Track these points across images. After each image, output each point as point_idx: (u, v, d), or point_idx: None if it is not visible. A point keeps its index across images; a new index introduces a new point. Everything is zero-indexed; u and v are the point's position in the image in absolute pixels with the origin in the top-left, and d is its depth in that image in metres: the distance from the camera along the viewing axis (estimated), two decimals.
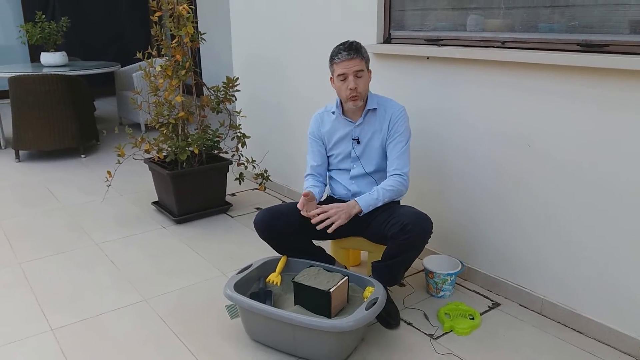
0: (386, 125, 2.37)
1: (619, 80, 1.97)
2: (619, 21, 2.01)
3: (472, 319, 2.33)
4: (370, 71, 2.37)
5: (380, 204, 2.29)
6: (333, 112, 2.44)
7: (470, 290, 2.63)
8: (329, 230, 2.22)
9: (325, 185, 2.55)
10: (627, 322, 2.12)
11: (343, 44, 2.30)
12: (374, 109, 2.38)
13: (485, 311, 2.45)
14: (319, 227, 2.23)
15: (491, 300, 2.53)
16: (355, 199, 2.28)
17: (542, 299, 2.40)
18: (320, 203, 2.41)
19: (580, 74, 2.08)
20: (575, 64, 2.06)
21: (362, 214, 2.28)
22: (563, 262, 2.30)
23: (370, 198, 2.28)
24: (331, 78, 2.37)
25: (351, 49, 2.26)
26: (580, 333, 2.26)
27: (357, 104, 2.33)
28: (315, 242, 2.48)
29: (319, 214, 2.23)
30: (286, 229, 2.32)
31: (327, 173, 2.56)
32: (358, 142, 2.41)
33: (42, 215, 3.59)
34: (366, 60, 2.31)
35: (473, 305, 2.46)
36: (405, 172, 2.34)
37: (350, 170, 2.45)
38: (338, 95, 2.40)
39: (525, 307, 2.46)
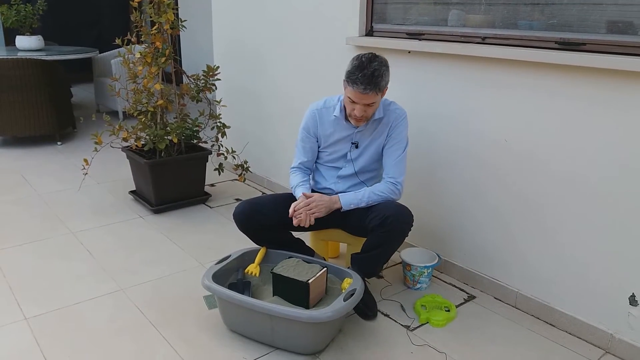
0: (386, 131, 2.33)
1: (595, 79, 2.01)
2: (597, 20, 2.05)
3: (448, 311, 2.37)
4: (386, 89, 2.21)
5: (362, 205, 2.27)
6: (335, 115, 2.33)
7: (446, 282, 2.67)
8: (306, 225, 2.21)
9: (309, 176, 2.52)
10: (597, 315, 2.18)
11: (362, 70, 2.07)
12: (380, 118, 2.32)
13: (461, 303, 2.48)
14: (295, 223, 2.22)
15: (467, 293, 2.58)
16: (339, 194, 2.28)
17: (517, 292, 2.45)
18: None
19: (558, 72, 2.11)
20: (553, 62, 2.09)
21: (341, 210, 2.28)
22: (537, 257, 2.34)
23: (354, 197, 2.27)
24: (344, 82, 2.20)
25: (370, 84, 2.07)
26: (553, 326, 2.32)
27: (359, 125, 2.28)
28: (295, 234, 2.48)
29: (298, 207, 2.21)
30: (266, 221, 2.32)
31: (316, 166, 2.53)
32: (356, 147, 2.37)
33: (16, 203, 3.52)
34: (382, 89, 2.15)
35: (449, 298, 2.50)
36: (400, 182, 2.32)
37: (340, 168, 2.43)
38: (345, 105, 2.28)
39: (500, 300, 2.51)
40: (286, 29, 3.44)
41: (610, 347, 2.15)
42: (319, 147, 2.45)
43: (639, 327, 2.06)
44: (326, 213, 2.24)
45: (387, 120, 2.33)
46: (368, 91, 2.10)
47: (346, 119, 2.33)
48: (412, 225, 2.24)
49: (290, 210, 2.23)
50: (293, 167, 2.48)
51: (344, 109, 2.31)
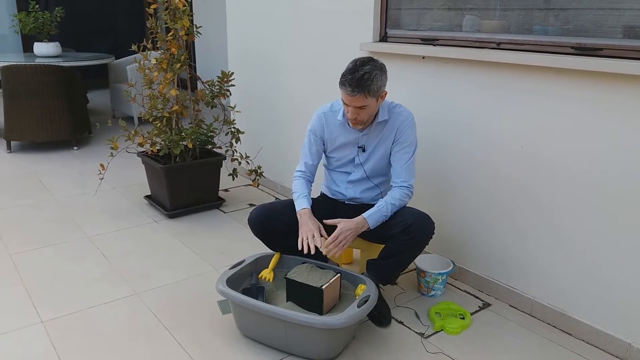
0: (393, 133, 2.30)
1: (613, 84, 1.99)
2: (613, 25, 2.03)
3: (463, 318, 2.35)
4: (385, 93, 2.21)
5: (387, 219, 2.24)
6: (339, 119, 2.34)
7: (461, 290, 2.65)
8: (337, 255, 2.20)
9: (312, 182, 2.48)
10: (615, 324, 2.15)
11: (353, 73, 2.09)
12: (385, 120, 2.30)
13: (476, 311, 2.46)
14: (329, 255, 2.20)
15: (482, 301, 2.55)
16: (364, 215, 2.21)
17: (532, 300, 2.42)
18: (313, 200, 2.40)
19: (574, 77, 2.09)
20: (569, 67, 2.08)
21: (369, 229, 2.24)
22: (553, 264, 2.32)
23: (379, 215, 2.22)
24: None
25: (357, 87, 2.08)
26: (569, 334, 2.29)
27: (356, 127, 2.28)
28: None
29: (329, 244, 2.17)
30: (281, 226, 2.31)
31: (327, 172, 2.52)
32: (363, 150, 2.35)
33: (33, 207, 3.57)
34: (374, 93, 2.12)
35: (464, 305, 2.48)
36: (411, 185, 2.30)
37: (350, 173, 2.42)
38: None
39: (515, 308, 2.48)
40: (300, 34, 3.45)
41: (628, 356, 2.11)
42: (325, 151, 2.44)
43: None
44: (354, 235, 2.20)
45: (393, 123, 2.31)
46: (355, 94, 2.09)
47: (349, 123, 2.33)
48: (433, 233, 2.22)
49: (301, 243, 2.18)
50: (298, 171, 2.45)
51: None
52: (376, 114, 2.28)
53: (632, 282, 2.06)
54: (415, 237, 2.17)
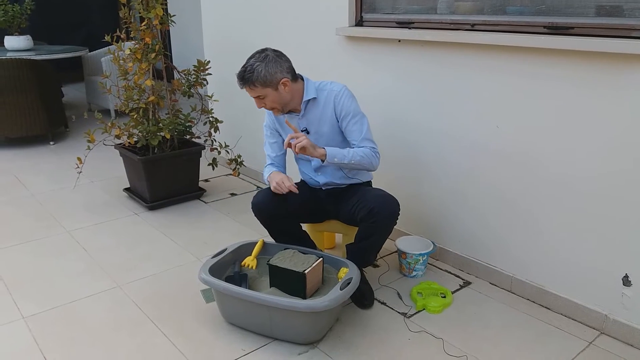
0: (331, 108, 2.30)
1: (584, 62, 2.02)
2: (584, 4, 2.06)
3: (444, 297, 2.39)
4: (285, 82, 2.20)
5: (346, 161, 2.19)
6: None
7: (442, 269, 2.69)
8: (296, 151, 2.14)
9: (284, 171, 2.49)
10: (591, 297, 2.21)
11: (240, 70, 2.20)
12: (314, 98, 2.31)
13: (457, 290, 2.50)
14: (285, 142, 2.17)
15: (462, 279, 2.60)
16: (327, 147, 2.20)
17: (512, 277, 2.47)
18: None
19: (547, 56, 2.12)
20: (542, 46, 2.10)
21: (324, 160, 2.18)
22: (531, 241, 2.36)
23: (339, 151, 2.20)
24: None
25: (241, 80, 2.20)
26: (548, 309, 2.34)
27: (276, 114, 2.32)
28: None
29: (289, 138, 2.15)
30: (286, 209, 2.33)
31: (296, 164, 2.53)
32: (308, 133, 2.36)
33: (10, 203, 3.52)
34: (263, 84, 2.16)
35: (445, 284, 2.52)
36: (376, 147, 2.29)
37: (311, 161, 2.42)
38: None
39: (495, 285, 2.53)
40: (276, 20, 3.43)
41: (604, 327, 2.17)
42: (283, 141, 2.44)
43: (632, 307, 2.09)
44: (309, 145, 2.12)
45: (327, 99, 2.30)
46: (242, 86, 2.21)
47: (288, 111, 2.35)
48: (398, 214, 2.24)
49: (275, 189, 2.24)
50: (266, 165, 2.48)
51: None
52: (303, 93, 2.29)
53: (607, 257, 2.12)
54: (378, 220, 2.19)
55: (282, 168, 2.47)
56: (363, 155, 2.23)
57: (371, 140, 2.31)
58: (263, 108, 2.30)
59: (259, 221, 2.40)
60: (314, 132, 2.35)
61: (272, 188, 2.27)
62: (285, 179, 2.25)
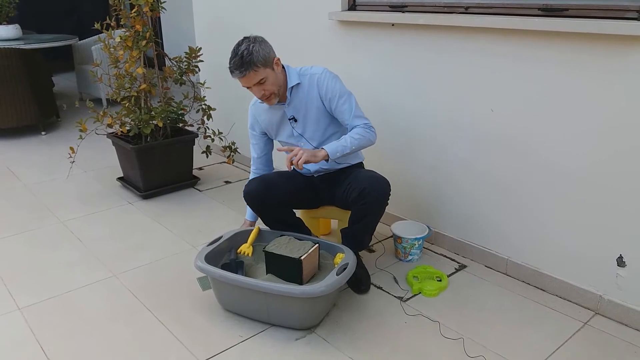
0: (315, 92, 2.27)
1: (578, 44, 2.01)
2: None
3: (440, 280, 2.40)
4: (277, 62, 2.19)
5: (348, 150, 2.19)
6: (260, 102, 2.33)
7: (437, 253, 2.70)
8: (299, 167, 2.13)
9: (270, 169, 2.57)
10: (586, 278, 2.22)
11: (234, 58, 2.12)
12: (298, 84, 2.27)
13: (452, 273, 2.52)
14: (287, 164, 2.13)
15: (458, 263, 2.61)
16: (324, 146, 2.19)
17: (507, 260, 2.48)
18: (287, 172, 2.38)
19: (542, 38, 2.11)
20: (536, 28, 2.09)
21: (329, 159, 2.18)
22: (526, 224, 2.37)
23: (337, 144, 2.18)
24: None
25: (242, 66, 2.10)
26: (543, 290, 2.36)
27: (272, 103, 2.25)
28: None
29: (289, 157, 2.13)
30: (279, 197, 2.33)
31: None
32: (295, 120, 2.34)
33: (2, 195, 3.49)
34: (264, 63, 2.12)
35: (440, 268, 2.53)
36: (367, 124, 2.26)
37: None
38: None
39: (490, 268, 2.54)
40: (268, 6, 3.39)
41: (599, 308, 2.19)
42: (272, 138, 2.49)
43: (627, 287, 2.10)
44: (311, 157, 2.12)
45: (310, 83, 2.27)
46: (244, 73, 2.11)
47: None
48: (389, 194, 2.24)
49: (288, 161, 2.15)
50: (251, 172, 2.55)
51: None
52: (286, 80, 2.26)
53: (602, 238, 2.13)
54: (369, 201, 2.19)
55: (268, 167, 2.55)
56: (360, 136, 2.21)
57: (362, 116, 2.29)
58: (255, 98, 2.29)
59: (251, 210, 2.40)
60: (302, 119, 2.33)
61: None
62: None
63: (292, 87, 2.28)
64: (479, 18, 2.27)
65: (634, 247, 2.05)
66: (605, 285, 2.17)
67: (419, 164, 2.73)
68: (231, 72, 2.15)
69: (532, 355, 1.95)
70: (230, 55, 2.15)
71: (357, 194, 2.19)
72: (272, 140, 2.53)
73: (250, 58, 2.10)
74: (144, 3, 3.13)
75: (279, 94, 2.25)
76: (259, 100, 2.33)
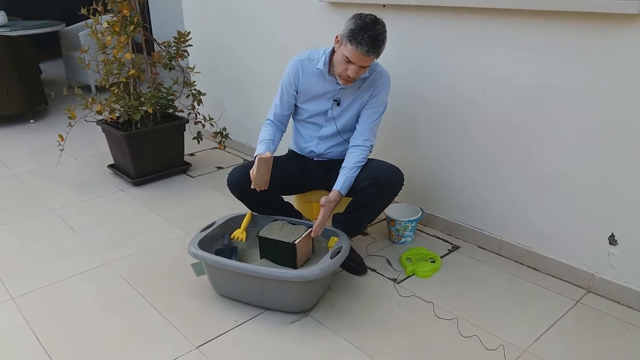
0: (370, 91, 2.26)
1: (573, 23, 2.00)
2: None
3: (433, 262, 2.41)
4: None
5: (354, 178, 2.23)
6: (319, 68, 2.22)
7: (430, 235, 2.71)
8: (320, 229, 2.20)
9: (284, 133, 2.43)
10: (578, 257, 2.24)
11: (368, 32, 2.00)
12: (365, 77, 2.23)
13: (446, 254, 2.53)
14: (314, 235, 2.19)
15: (451, 244, 2.62)
16: (337, 189, 2.20)
17: (500, 240, 2.49)
18: (278, 158, 2.35)
19: (536, 18, 2.09)
20: (530, 8, 2.07)
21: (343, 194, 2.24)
22: (518, 204, 2.38)
23: (349, 182, 2.22)
24: (337, 38, 2.13)
25: (373, 47, 2.01)
26: (536, 270, 2.37)
27: (347, 84, 2.19)
28: (284, 198, 2.48)
29: (316, 227, 2.18)
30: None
31: (295, 126, 2.45)
32: (338, 104, 2.29)
33: None
34: (380, 54, 2.10)
35: (433, 249, 2.54)
36: (372, 145, 2.29)
37: (321, 127, 2.36)
38: (335, 63, 2.17)
39: (483, 249, 2.56)
40: None
41: (591, 286, 2.21)
42: (297, 101, 2.35)
43: (618, 266, 2.12)
44: (330, 211, 2.20)
45: (372, 81, 2.25)
46: (370, 54, 2.03)
47: (329, 73, 2.24)
48: (403, 184, 2.24)
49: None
50: (267, 119, 2.39)
51: (328, 63, 2.23)
52: None
53: (594, 216, 2.14)
54: (384, 189, 2.19)
55: (283, 127, 2.41)
56: (360, 165, 2.24)
57: (374, 134, 2.29)
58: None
59: (236, 198, 2.36)
60: (344, 107, 2.29)
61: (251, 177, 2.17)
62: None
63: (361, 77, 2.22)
64: None
65: (626, 225, 2.06)
66: (597, 264, 2.18)
67: (411, 147, 2.73)
68: (359, 42, 2.00)
69: (526, 334, 1.97)
70: (359, 23, 2.02)
71: (372, 181, 2.17)
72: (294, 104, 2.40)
73: (381, 45, 2.05)
74: None
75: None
76: (310, 60, 2.27)
